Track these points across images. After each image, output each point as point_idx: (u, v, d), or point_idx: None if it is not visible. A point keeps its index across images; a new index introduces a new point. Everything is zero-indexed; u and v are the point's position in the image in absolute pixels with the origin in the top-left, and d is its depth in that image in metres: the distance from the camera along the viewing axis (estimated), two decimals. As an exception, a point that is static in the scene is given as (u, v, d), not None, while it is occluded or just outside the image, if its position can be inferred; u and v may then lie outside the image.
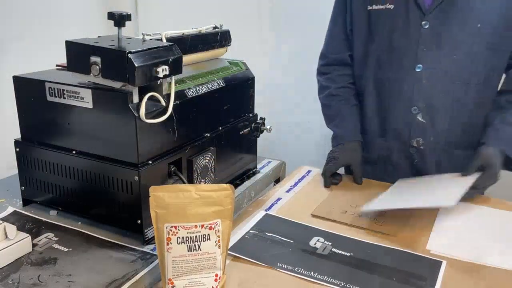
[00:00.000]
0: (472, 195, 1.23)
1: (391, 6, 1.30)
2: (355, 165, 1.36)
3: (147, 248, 1.00)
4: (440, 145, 1.34)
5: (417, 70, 1.29)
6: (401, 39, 1.30)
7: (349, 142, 1.39)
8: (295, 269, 0.95)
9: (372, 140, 1.41)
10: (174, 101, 1.04)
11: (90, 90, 1.00)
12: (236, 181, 1.33)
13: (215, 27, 1.30)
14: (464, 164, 1.27)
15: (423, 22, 1.27)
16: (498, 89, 1.32)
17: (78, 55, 0.98)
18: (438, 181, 1.28)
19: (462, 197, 1.15)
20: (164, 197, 0.84)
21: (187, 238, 0.84)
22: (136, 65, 0.92)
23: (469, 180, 1.20)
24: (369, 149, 1.41)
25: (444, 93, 1.29)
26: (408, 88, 1.31)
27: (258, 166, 1.45)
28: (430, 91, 1.30)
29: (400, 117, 1.34)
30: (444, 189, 1.21)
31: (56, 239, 1.02)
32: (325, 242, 1.05)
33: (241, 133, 1.32)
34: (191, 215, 0.84)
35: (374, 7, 1.33)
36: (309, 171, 1.43)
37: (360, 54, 1.39)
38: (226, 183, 0.89)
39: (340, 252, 1.01)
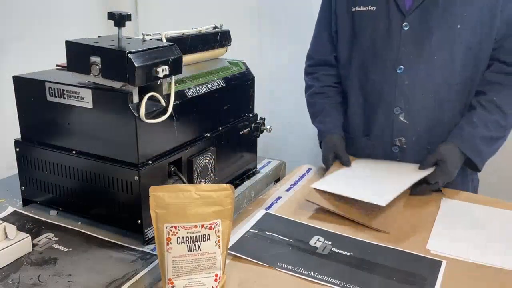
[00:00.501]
0: (426, 192, 1.27)
1: (373, 8, 1.32)
2: (339, 151, 1.37)
3: (147, 248, 1.00)
4: (422, 145, 1.35)
5: (399, 71, 1.30)
6: (382, 40, 1.31)
7: (330, 135, 1.41)
8: (295, 269, 0.95)
9: (357, 139, 1.43)
10: (174, 101, 1.04)
11: (90, 90, 1.00)
12: (236, 181, 1.33)
13: (215, 27, 1.30)
14: None
15: (404, 24, 1.28)
16: None
17: (78, 55, 0.98)
18: (390, 171, 1.31)
19: (418, 192, 1.26)
20: (164, 197, 0.84)
21: (187, 238, 0.84)
22: (136, 65, 0.92)
23: (417, 176, 1.23)
24: (353, 148, 1.43)
25: (425, 94, 1.30)
26: (390, 89, 1.33)
27: (258, 166, 1.45)
28: (411, 92, 1.31)
29: (383, 117, 1.36)
30: (387, 184, 1.23)
31: (56, 239, 1.02)
32: (325, 241, 1.05)
33: (241, 133, 1.32)
34: (191, 215, 0.84)
35: (357, 8, 1.34)
36: (309, 170, 1.43)
37: (345, 56, 1.41)
38: (226, 183, 0.89)
39: (340, 251, 1.01)
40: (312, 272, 0.94)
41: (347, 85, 1.43)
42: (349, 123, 1.45)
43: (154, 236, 0.87)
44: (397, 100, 1.32)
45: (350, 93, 1.43)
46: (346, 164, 1.36)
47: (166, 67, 0.97)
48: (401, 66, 1.30)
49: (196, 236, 0.85)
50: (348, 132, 1.45)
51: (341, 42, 1.41)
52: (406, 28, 1.28)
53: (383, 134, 1.37)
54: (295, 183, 1.35)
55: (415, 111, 1.32)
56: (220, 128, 1.23)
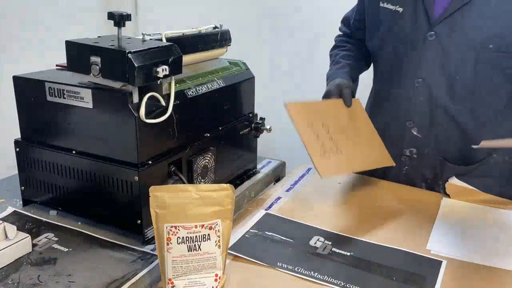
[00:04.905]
0: None
1: (400, 9, 1.22)
2: (344, 86, 1.28)
3: (147, 248, 1.00)
4: (434, 158, 1.29)
5: (417, 84, 1.23)
6: (404, 47, 1.23)
7: (338, 78, 1.33)
8: (295, 269, 0.95)
9: None
10: (174, 101, 1.04)
11: (90, 90, 1.00)
12: (236, 181, 1.33)
13: (215, 27, 1.29)
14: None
15: (430, 33, 1.19)
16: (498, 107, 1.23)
17: (78, 55, 0.98)
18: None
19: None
20: (164, 197, 0.84)
21: (187, 238, 0.84)
22: (136, 65, 0.92)
23: None
24: None
25: (442, 110, 1.23)
26: (405, 101, 1.26)
27: (258, 166, 1.44)
28: (427, 107, 1.24)
29: (395, 127, 1.30)
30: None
31: (56, 239, 1.02)
32: (325, 241, 1.05)
33: (241, 133, 1.32)
34: (191, 215, 0.84)
35: (385, 5, 1.25)
36: (309, 169, 1.43)
37: (372, 48, 1.35)
38: (226, 183, 0.89)
39: (340, 251, 1.01)
40: (312, 272, 0.94)
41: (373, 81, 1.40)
42: None
43: (154, 236, 0.87)
44: (411, 113, 1.26)
45: (373, 90, 1.39)
46: (347, 103, 1.25)
47: (166, 67, 0.97)
48: (420, 79, 1.22)
49: (196, 236, 0.85)
50: None
51: (369, 32, 1.34)
52: (431, 38, 1.18)
53: (393, 142, 1.30)
54: (295, 183, 1.35)
55: (430, 126, 1.25)
56: (220, 128, 1.23)
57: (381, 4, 1.27)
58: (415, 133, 1.27)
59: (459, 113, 1.22)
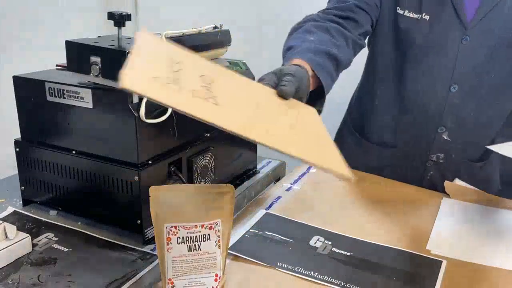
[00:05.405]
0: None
1: (427, 17, 1.18)
2: (285, 72, 0.92)
3: (147, 248, 1.00)
4: (460, 160, 1.28)
5: (452, 90, 1.20)
6: (436, 54, 1.20)
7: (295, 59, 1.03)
8: (295, 269, 0.95)
9: (379, 149, 1.35)
10: (174, 101, 1.03)
11: (90, 90, 1.00)
12: (236, 181, 1.33)
13: (215, 27, 1.29)
14: (478, 174, 1.26)
15: (464, 37, 1.18)
16: None
17: (78, 55, 0.98)
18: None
19: None
20: (164, 197, 0.84)
21: (187, 238, 0.84)
22: (136, 65, 0.92)
23: None
24: (371, 156, 1.34)
25: (476, 114, 1.22)
26: (438, 107, 1.23)
27: (258, 166, 1.44)
28: (461, 112, 1.22)
29: (423, 133, 1.27)
30: None
31: (56, 239, 1.02)
32: (325, 241, 1.05)
33: (241, 133, 1.31)
34: (191, 215, 0.84)
35: (406, 13, 1.20)
36: (309, 168, 1.43)
37: (384, 54, 1.30)
38: (226, 183, 0.89)
39: (340, 251, 1.01)
40: (312, 272, 0.94)
41: (382, 85, 1.31)
42: (373, 130, 1.34)
43: (154, 236, 0.87)
44: (444, 119, 1.23)
45: (384, 96, 1.31)
46: (284, 94, 0.87)
47: (166, 67, 0.97)
48: (455, 85, 1.20)
49: (196, 236, 0.85)
50: (368, 140, 1.36)
51: (380, 37, 1.28)
52: (465, 42, 1.17)
53: (418, 149, 1.28)
54: (295, 182, 1.35)
55: (462, 130, 1.24)
56: (220, 128, 1.23)
57: (400, 11, 1.21)
58: (445, 137, 1.25)
59: (491, 111, 1.22)
